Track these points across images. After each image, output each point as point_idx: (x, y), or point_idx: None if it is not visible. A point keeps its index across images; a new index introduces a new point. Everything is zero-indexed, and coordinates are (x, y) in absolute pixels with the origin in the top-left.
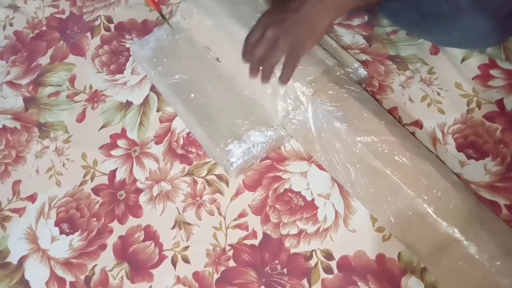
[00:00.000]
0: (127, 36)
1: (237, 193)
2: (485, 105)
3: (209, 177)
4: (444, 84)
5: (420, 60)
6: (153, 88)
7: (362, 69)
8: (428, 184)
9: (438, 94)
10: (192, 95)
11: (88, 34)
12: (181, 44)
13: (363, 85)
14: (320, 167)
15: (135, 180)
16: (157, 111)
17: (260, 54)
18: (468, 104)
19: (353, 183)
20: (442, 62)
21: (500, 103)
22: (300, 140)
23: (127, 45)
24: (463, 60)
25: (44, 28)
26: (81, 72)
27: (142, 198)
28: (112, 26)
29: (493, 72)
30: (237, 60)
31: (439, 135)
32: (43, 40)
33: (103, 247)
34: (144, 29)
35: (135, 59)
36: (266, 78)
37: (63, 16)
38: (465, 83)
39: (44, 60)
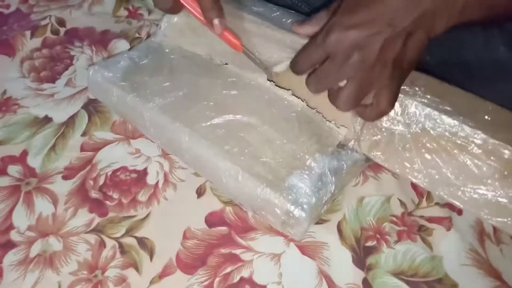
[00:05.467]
0: (76, 43)
1: (162, 274)
2: None
3: (126, 239)
4: None
5: None
6: (87, 106)
7: None
8: None
9: None
10: (204, 116)
11: (28, 33)
12: (173, 58)
13: None
14: (302, 249)
15: (10, 228)
16: (83, 135)
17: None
18: None
19: (494, 208)
20: None
21: None
22: (381, 156)
23: (72, 53)
24: None
25: None
26: None
27: (9, 258)
28: (62, 30)
29: None
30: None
31: None
32: None
33: None
34: (101, 40)
35: (92, 85)
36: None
37: (6, 11)
38: None
39: None
